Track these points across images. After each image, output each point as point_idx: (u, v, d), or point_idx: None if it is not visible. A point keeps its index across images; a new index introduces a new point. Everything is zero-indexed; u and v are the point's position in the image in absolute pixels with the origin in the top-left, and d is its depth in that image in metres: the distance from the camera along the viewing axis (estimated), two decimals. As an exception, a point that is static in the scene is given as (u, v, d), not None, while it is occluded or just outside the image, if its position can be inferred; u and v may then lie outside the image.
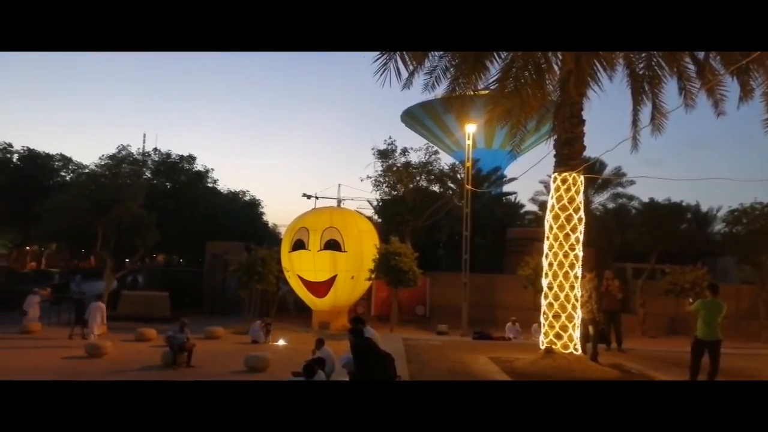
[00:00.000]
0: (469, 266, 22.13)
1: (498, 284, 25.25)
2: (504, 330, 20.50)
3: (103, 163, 30.31)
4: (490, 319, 22.93)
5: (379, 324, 21.85)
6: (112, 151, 28.48)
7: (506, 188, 38.41)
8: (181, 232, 30.61)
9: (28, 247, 44.71)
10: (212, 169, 36.01)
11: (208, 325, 19.32)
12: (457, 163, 32.25)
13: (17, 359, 13.98)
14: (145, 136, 57.96)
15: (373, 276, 21.60)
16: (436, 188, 29.02)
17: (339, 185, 62.78)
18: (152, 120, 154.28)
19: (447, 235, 29.32)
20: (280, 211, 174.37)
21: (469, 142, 22.87)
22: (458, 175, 29.24)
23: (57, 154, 37.93)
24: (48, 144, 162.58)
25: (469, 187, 22.27)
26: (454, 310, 22.23)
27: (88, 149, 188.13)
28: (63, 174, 37.13)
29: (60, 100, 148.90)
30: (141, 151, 34.06)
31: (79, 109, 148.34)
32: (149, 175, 32.45)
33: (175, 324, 15.34)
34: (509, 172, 41.07)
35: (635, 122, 12.77)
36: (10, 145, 36.15)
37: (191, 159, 34.81)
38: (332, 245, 21.14)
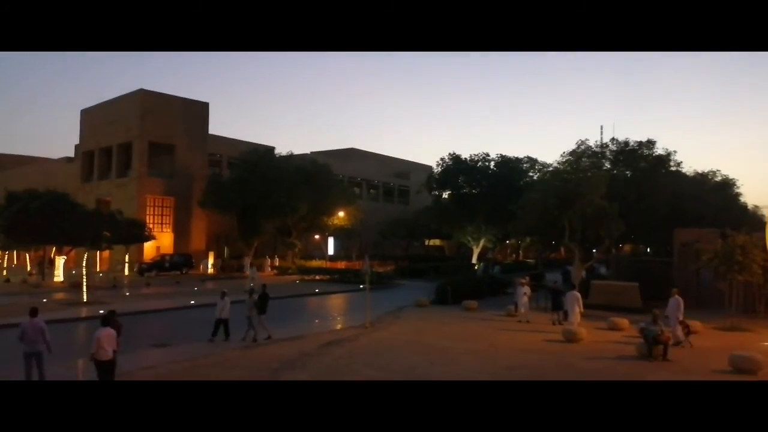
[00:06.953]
0: None
1: None
2: None
3: (564, 159, 32.50)
4: None
5: None
6: (572, 147, 30.12)
7: None
8: (645, 221, 29.84)
9: (507, 241, 51.59)
10: (675, 152, 33.49)
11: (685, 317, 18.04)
12: None
13: (509, 339, 16.33)
14: (602, 128, 58.78)
15: None
16: None
17: None
18: (608, 112, 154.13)
19: None
20: (762, 190, 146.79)
21: None
22: None
23: (524, 156, 42.98)
24: (516, 148, 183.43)
25: None
26: None
27: (550, 148, 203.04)
28: (531, 174, 41.65)
29: (520, 104, 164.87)
30: (599, 143, 34.68)
31: (539, 111, 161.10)
32: (608, 166, 32.77)
33: (648, 315, 14.97)
34: None
35: None
36: (487, 155, 42.86)
37: (650, 144, 33.35)
38: None
